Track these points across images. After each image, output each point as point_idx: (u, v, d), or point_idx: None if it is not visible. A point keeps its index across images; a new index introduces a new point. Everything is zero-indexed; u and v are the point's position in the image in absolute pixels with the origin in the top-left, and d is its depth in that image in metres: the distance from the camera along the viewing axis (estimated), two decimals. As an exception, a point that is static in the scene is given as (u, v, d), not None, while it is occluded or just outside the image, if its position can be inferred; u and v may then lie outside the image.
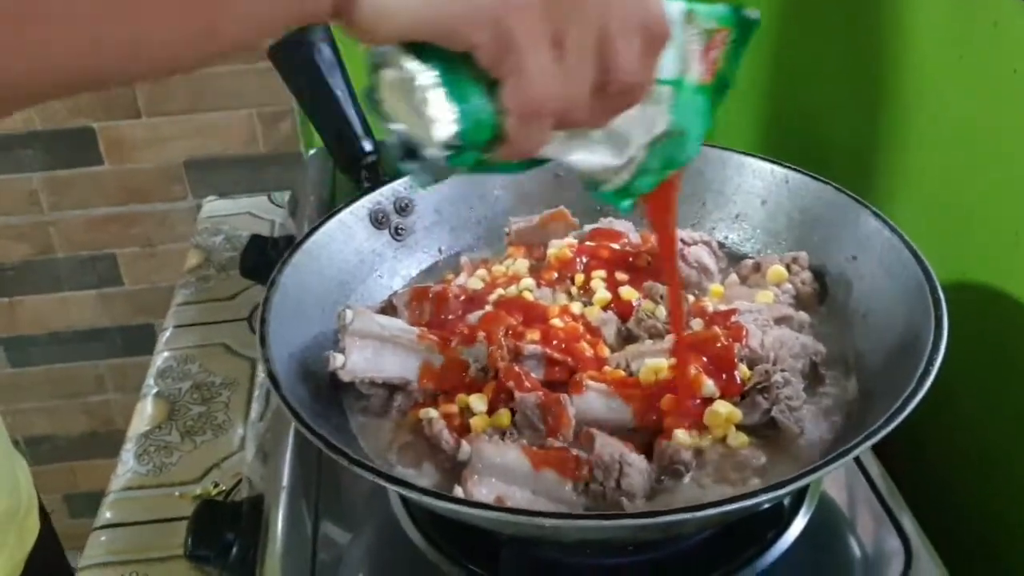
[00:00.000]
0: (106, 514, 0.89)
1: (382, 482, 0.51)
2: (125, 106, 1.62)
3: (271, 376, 0.58)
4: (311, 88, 0.78)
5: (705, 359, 0.62)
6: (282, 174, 1.64)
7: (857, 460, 0.69)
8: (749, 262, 0.74)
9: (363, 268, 0.75)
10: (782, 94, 1.20)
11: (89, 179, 1.69)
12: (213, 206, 1.40)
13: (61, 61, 0.35)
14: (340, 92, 0.79)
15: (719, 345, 0.63)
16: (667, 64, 0.46)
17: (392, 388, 0.65)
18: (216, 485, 0.91)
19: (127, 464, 0.95)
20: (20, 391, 1.86)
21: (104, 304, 1.79)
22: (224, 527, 0.71)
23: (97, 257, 1.76)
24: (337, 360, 0.63)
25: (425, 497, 0.51)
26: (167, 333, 1.13)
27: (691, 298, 0.71)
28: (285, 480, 0.72)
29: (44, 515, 0.84)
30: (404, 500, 0.67)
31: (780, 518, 0.64)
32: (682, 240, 0.74)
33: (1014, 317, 0.72)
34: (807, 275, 0.72)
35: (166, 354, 1.09)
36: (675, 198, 0.55)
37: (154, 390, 1.04)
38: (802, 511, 0.65)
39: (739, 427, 0.60)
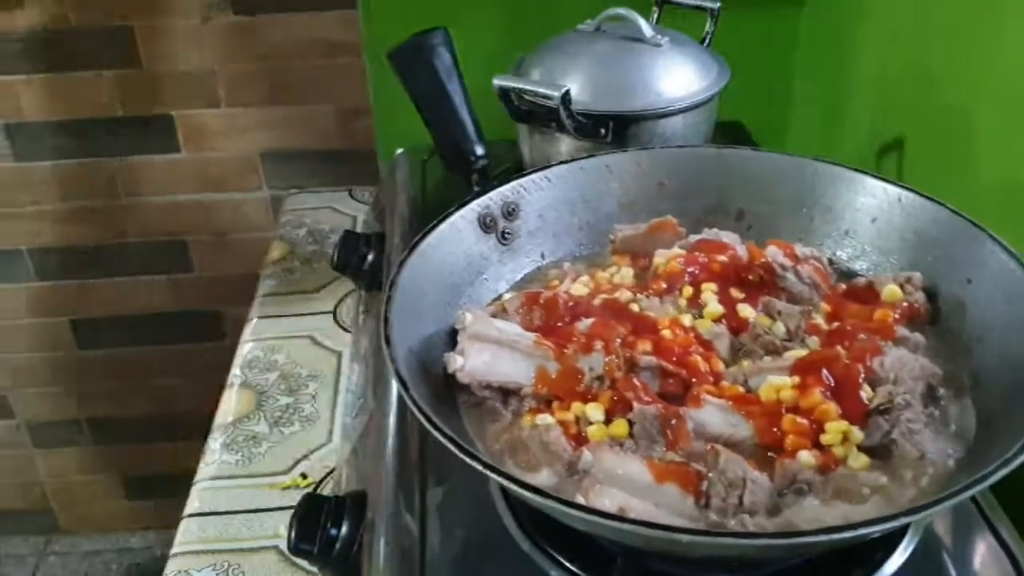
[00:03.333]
0: (195, 503, 0.91)
1: (517, 489, 0.52)
2: (205, 95, 1.64)
3: (399, 378, 0.59)
4: (428, 91, 0.79)
5: (828, 379, 0.62)
6: (355, 171, 1.64)
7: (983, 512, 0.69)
8: (862, 280, 0.74)
9: (471, 271, 0.76)
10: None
11: (165, 166, 1.72)
12: (296, 199, 1.41)
13: None
14: (456, 97, 0.79)
15: (841, 365, 0.62)
16: None
17: (507, 392, 0.65)
18: (304, 476, 0.93)
19: (215, 453, 0.96)
20: (86, 373, 1.89)
21: (173, 290, 1.81)
22: (327, 522, 0.72)
23: (169, 243, 1.78)
24: (456, 362, 0.64)
25: (559, 505, 0.51)
26: (252, 323, 1.14)
27: (807, 311, 0.70)
28: (388, 478, 0.73)
29: None
30: (509, 504, 0.67)
31: (888, 540, 0.64)
32: (794, 255, 0.74)
33: None
34: (920, 296, 0.71)
35: (251, 344, 1.10)
36: None
37: (240, 380, 1.05)
38: (909, 533, 0.64)
39: (861, 448, 0.60)
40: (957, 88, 1.00)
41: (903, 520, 0.49)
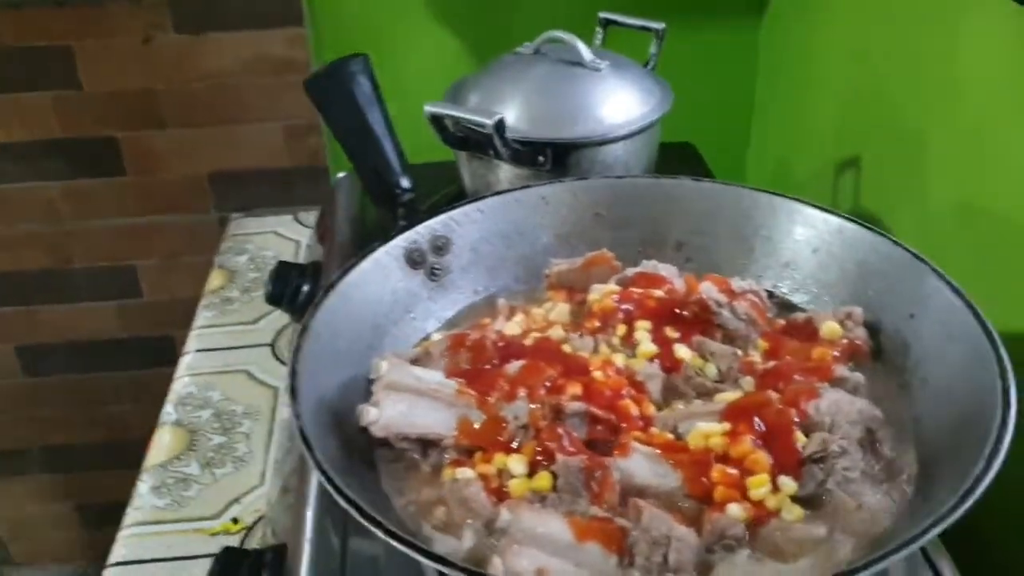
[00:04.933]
0: (121, 551, 0.87)
1: (419, 557, 0.48)
2: (149, 116, 1.60)
3: (303, 437, 0.55)
4: (348, 121, 0.76)
5: (759, 425, 0.59)
6: (307, 188, 1.61)
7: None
8: (801, 315, 0.71)
9: (397, 309, 0.72)
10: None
11: (111, 189, 1.67)
12: (238, 224, 1.37)
13: None
14: (378, 127, 0.76)
15: (773, 410, 0.59)
16: None
17: (426, 443, 0.62)
18: (236, 521, 0.89)
19: (143, 497, 0.92)
20: (36, 400, 1.84)
21: (122, 315, 1.77)
22: (245, 577, 0.68)
23: (117, 268, 1.73)
24: (370, 415, 0.60)
25: (459, 573, 0.48)
26: (188, 357, 1.10)
27: (739, 353, 0.68)
28: (309, 531, 0.70)
29: None
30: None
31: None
32: (730, 290, 0.71)
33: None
34: (862, 331, 0.68)
35: (186, 379, 1.06)
36: None
37: (173, 418, 1.01)
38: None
39: (793, 498, 0.57)
40: (914, 110, 0.98)
41: (829, 587, 0.46)
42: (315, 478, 0.74)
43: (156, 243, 1.72)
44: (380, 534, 0.49)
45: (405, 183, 0.77)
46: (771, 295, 0.75)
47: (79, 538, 2.00)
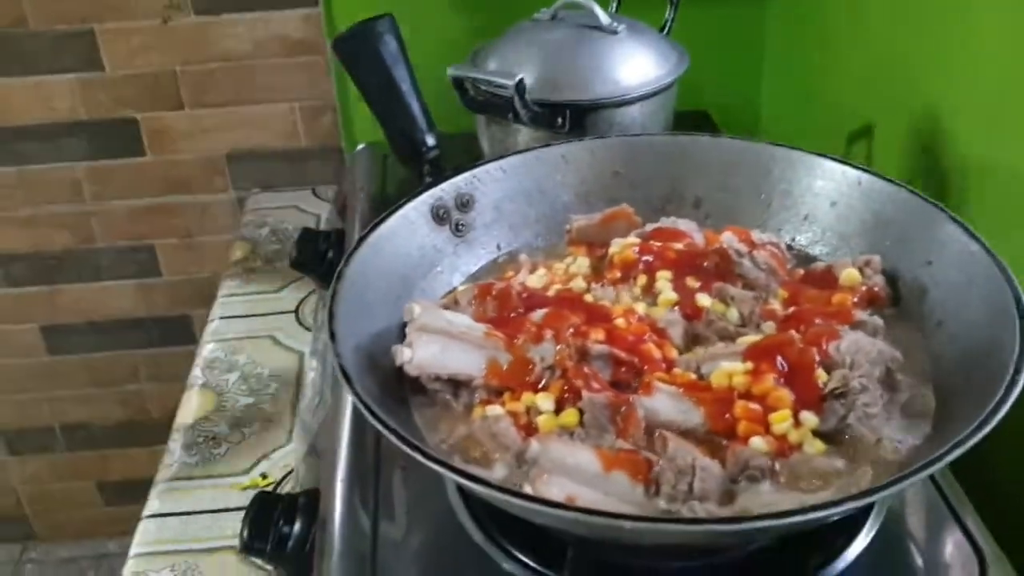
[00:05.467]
0: (154, 503, 0.89)
1: (460, 479, 0.51)
2: (168, 97, 1.62)
3: (344, 372, 0.57)
4: (375, 80, 0.78)
5: (782, 364, 0.61)
6: (322, 168, 1.63)
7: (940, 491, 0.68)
8: (820, 265, 0.73)
9: (424, 263, 0.74)
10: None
11: (131, 169, 1.69)
12: (258, 199, 1.40)
13: None
14: (404, 85, 0.78)
15: (795, 349, 0.61)
16: None
17: (457, 384, 0.64)
18: (264, 477, 0.91)
19: (174, 454, 0.94)
20: (57, 378, 1.87)
21: (142, 294, 1.79)
22: (280, 520, 0.70)
23: (137, 247, 1.76)
24: (404, 354, 0.62)
25: (502, 495, 0.50)
26: (214, 324, 1.12)
27: (761, 296, 0.69)
28: (342, 475, 0.72)
29: None
30: (464, 497, 0.66)
31: (848, 526, 0.63)
32: (750, 241, 0.73)
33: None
34: (880, 279, 0.70)
35: (212, 345, 1.09)
36: None
37: (200, 380, 1.04)
38: (870, 520, 0.64)
39: (816, 433, 0.59)
40: (929, 75, 0.99)
41: (849, 505, 0.48)
42: (346, 428, 0.76)
43: (175, 222, 1.74)
44: (418, 457, 0.51)
45: (431, 140, 0.79)
46: (790, 248, 0.77)
47: (100, 515, 2.03)
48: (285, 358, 1.05)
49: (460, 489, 0.66)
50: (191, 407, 1.00)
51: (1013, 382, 0.54)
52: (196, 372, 1.04)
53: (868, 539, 0.63)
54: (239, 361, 1.05)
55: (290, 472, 0.89)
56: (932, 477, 0.67)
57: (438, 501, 0.67)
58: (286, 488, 0.89)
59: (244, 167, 1.70)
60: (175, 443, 0.96)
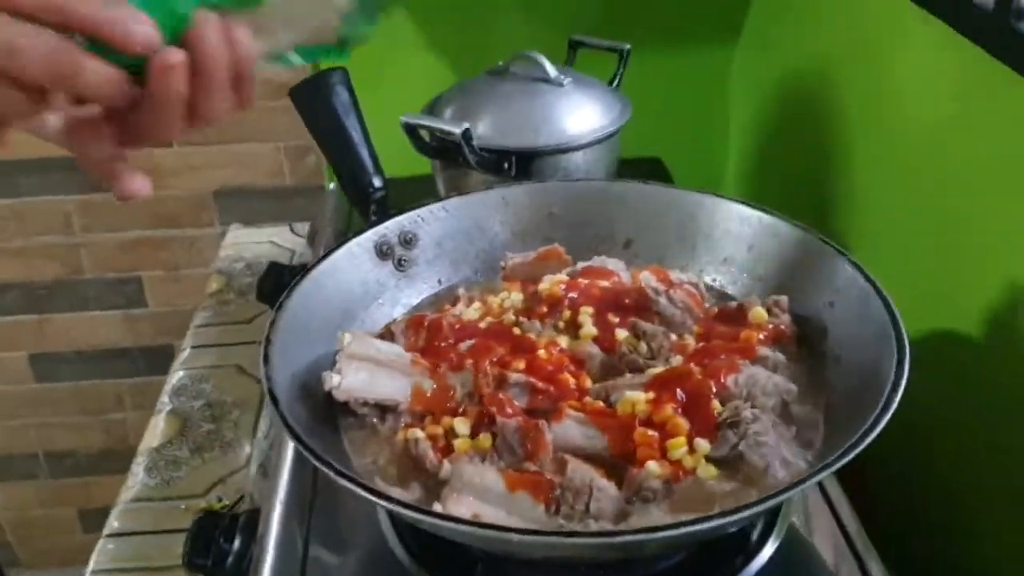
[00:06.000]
0: (114, 523, 0.93)
1: (362, 492, 0.55)
2: (159, 135, 1.69)
3: (270, 392, 0.62)
4: (328, 127, 0.83)
5: (681, 395, 0.66)
6: (305, 206, 1.69)
7: (825, 496, 0.73)
8: (733, 304, 0.78)
9: (367, 296, 0.79)
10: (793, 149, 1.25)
11: (121, 204, 1.75)
12: (237, 234, 1.45)
13: None
14: (355, 132, 0.84)
15: (694, 381, 0.66)
16: None
17: (384, 409, 0.68)
18: (220, 500, 0.95)
19: (137, 476, 0.99)
20: (45, 406, 1.92)
21: (128, 325, 1.85)
22: (222, 537, 0.75)
23: (125, 279, 1.82)
24: (333, 380, 0.67)
25: (400, 508, 0.54)
26: (185, 353, 1.17)
27: (674, 337, 0.74)
28: (281, 495, 0.76)
29: None
30: (392, 518, 0.71)
31: (747, 548, 0.67)
32: (669, 280, 0.78)
33: (980, 362, 0.76)
34: (787, 318, 0.75)
35: (181, 373, 1.14)
36: None
37: (168, 407, 1.08)
38: (769, 542, 0.68)
39: (710, 459, 0.63)
40: (863, 126, 1.05)
41: (718, 522, 0.53)
42: (289, 451, 0.81)
43: (162, 255, 1.80)
44: (331, 474, 0.56)
45: (377, 182, 0.84)
46: (710, 288, 0.82)
47: (82, 542, 2.06)
48: (249, 387, 1.09)
49: (389, 512, 0.71)
50: (157, 432, 1.05)
51: (884, 409, 0.58)
52: (164, 399, 1.09)
53: (765, 560, 0.67)
54: (205, 389, 1.10)
55: (243, 497, 0.94)
56: (832, 509, 0.72)
57: (370, 523, 0.71)
58: (240, 510, 0.93)
59: (231, 203, 1.76)
60: (138, 466, 1.00)
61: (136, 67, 0.47)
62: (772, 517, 0.70)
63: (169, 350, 1.84)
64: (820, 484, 0.74)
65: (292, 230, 1.43)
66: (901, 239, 0.97)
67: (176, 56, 0.47)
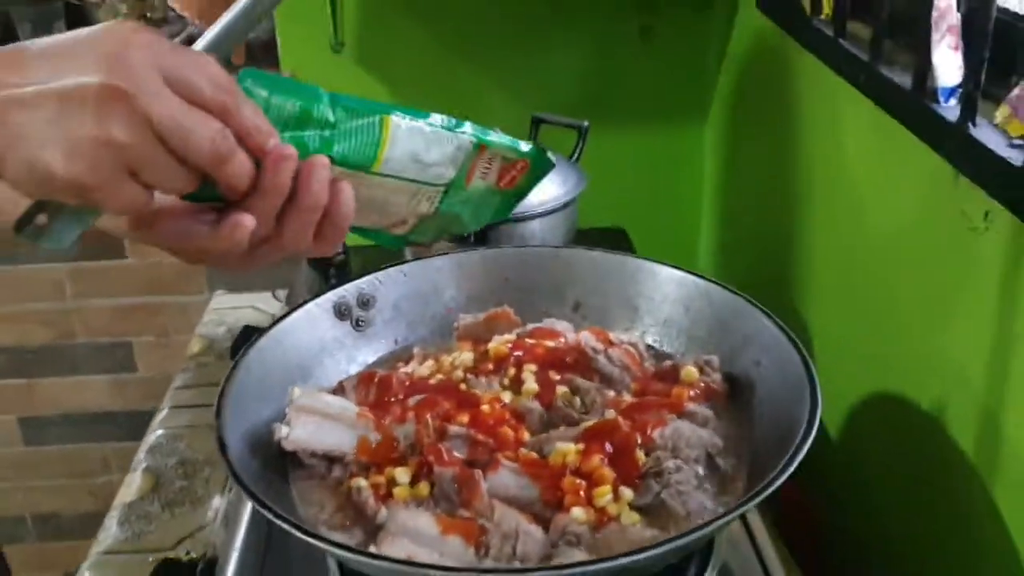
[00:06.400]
0: (85, 574, 0.96)
1: (298, 534, 0.59)
2: (151, 205, 1.75)
3: (219, 440, 0.67)
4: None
5: (609, 446, 0.70)
6: (287, 274, 1.74)
7: (756, 548, 0.77)
8: (668, 363, 0.82)
9: (324, 354, 0.84)
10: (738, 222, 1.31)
11: (113, 271, 1.81)
12: (221, 299, 1.50)
13: None
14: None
15: (621, 434, 0.70)
16: (443, 171, 0.62)
17: (331, 459, 0.72)
18: (188, 553, 0.98)
19: (109, 530, 1.02)
20: (32, 469, 1.95)
21: (117, 389, 1.89)
22: (180, 584, 0.78)
23: (115, 344, 1.87)
24: (282, 431, 0.71)
25: (333, 548, 0.59)
26: (163, 412, 1.22)
27: (611, 393, 0.78)
28: (238, 544, 0.80)
29: None
30: (340, 567, 0.74)
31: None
32: (608, 340, 0.82)
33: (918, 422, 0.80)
34: (718, 376, 0.79)
35: (159, 432, 1.18)
36: None
37: (143, 464, 1.12)
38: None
39: (633, 507, 0.67)
40: (814, 201, 1.11)
41: (622, 561, 0.56)
42: (248, 503, 0.84)
43: (152, 321, 1.85)
44: (271, 516, 0.60)
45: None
46: (651, 347, 0.86)
47: (65, 606, 2.08)
48: (221, 445, 1.13)
49: (337, 560, 0.74)
50: (132, 488, 1.08)
51: (796, 452, 0.63)
52: (140, 456, 1.13)
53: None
54: (179, 447, 1.14)
55: (207, 550, 0.97)
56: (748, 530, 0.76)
57: (320, 573, 0.75)
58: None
59: (221, 271, 1.81)
60: (111, 519, 1.04)
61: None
62: (703, 564, 0.73)
63: (154, 414, 1.88)
64: (749, 531, 0.78)
65: (274, 296, 1.48)
66: (848, 312, 1.03)
67: (291, 151, 0.52)
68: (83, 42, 0.49)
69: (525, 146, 0.66)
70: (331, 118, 0.55)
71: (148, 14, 1.74)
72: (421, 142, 0.60)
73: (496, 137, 0.64)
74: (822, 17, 1.08)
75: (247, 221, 0.52)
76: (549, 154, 0.67)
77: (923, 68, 0.83)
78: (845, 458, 1.03)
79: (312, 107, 0.55)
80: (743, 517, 0.82)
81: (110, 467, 1.94)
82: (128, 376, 1.89)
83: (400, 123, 0.58)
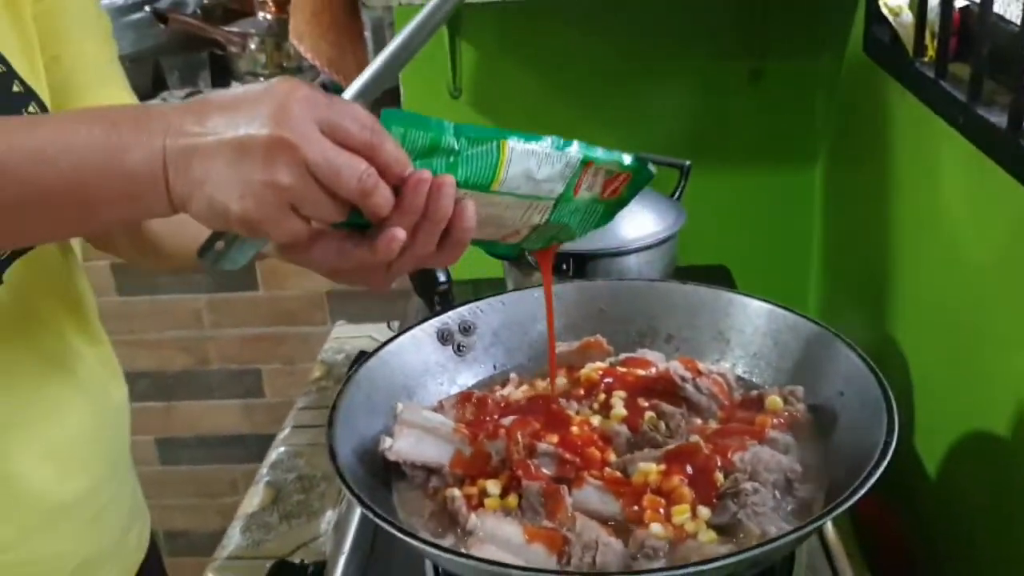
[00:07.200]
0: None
1: (395, 532, 0.64)
2: (281, 241, 1.87)
3: (330, 449, 0.73)
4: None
5: (689, 468, 0.73)
6: (402, 306, 1.83)
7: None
8: (754, 393, 0.85)
9: (427, 375, 0.90)
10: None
11: (246, 302, 1.94)
12: (341, 329, 1.60)
13: None
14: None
15: (701, 456, 0.73)
16: (553, 187, 0.67)
17: (429, 470, 0.78)
18: (302, 561, 1.06)
19: (232, 538, 1.11)
20: (166, 487, 2.08)
21: (246, 413, 2.01)
22: (293, 583, 0.85)
23: (245, 371, 1.99)
24: (386, 443, 0.78)
25: (423, 545, 0.64)
26: (285, 431, 1.30)
27: (698, 421, 0.82)
28: (346, 548, 0.87)
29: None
30: (435, 569, 0.80)
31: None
32: (697, 369, 0.86)
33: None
34: (801, 406, 0.81)
35: (281, 449, 1.26)
36: (554, 251, 0.77)
37: (266, 478, 1.21)
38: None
39: (711, 525, 0.70)
40: (909, 242, 1.11)
41: (693, 569, 0.60)
42: (357, 512, 0.91)
43: (280, 350, 1.97)
44: (371, 515, 0.66)
45: (442, 277, 0.96)
46: (741, 379, 0.89)
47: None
48: (336, 463, 1.21)
49: (433, 563, 0.80)
50: (254, 500, 1.17)
51: (861, 485, 0.65)
52: (263, 470, 1.22)
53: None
54: (299, 464, 1.22)
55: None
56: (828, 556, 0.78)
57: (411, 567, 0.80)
58: (316, 568, 1.03)
59: (341, 303, 1.92)
60: (234, 528, 1.12)
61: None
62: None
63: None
64: (829, 557, 0.79)
65: (388, 326, 1.56)
66: (947, 347, 1.03)
67: (427, 175, 0.60)
68: (253, 97, 0.57)
69: (627, 159, 0.71)
70: (455, 146, 0.62)
71: (284, 63, 1.88)
72: (534, 162, 0.65)
73: (601, 153, 0.69)
74: (925, 59, 1.10)
75: (400, 234, 0.60)
76: (650, 165, 0.72)
77: (1019, 107, 0.85)
78: (941, 490, 1.02)
79: (440, 138, 0.62)
80: (824, 542, 0.83)
81: (238, 488, 2.06)
82: (256, 401, 2.00)
83: (515, 146, 0.64)
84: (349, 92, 0.63)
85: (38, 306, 0.78)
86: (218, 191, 0.56)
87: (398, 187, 0.59)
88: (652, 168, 0.72)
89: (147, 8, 1.82)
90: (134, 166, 0.57)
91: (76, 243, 0.85)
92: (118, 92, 0.83)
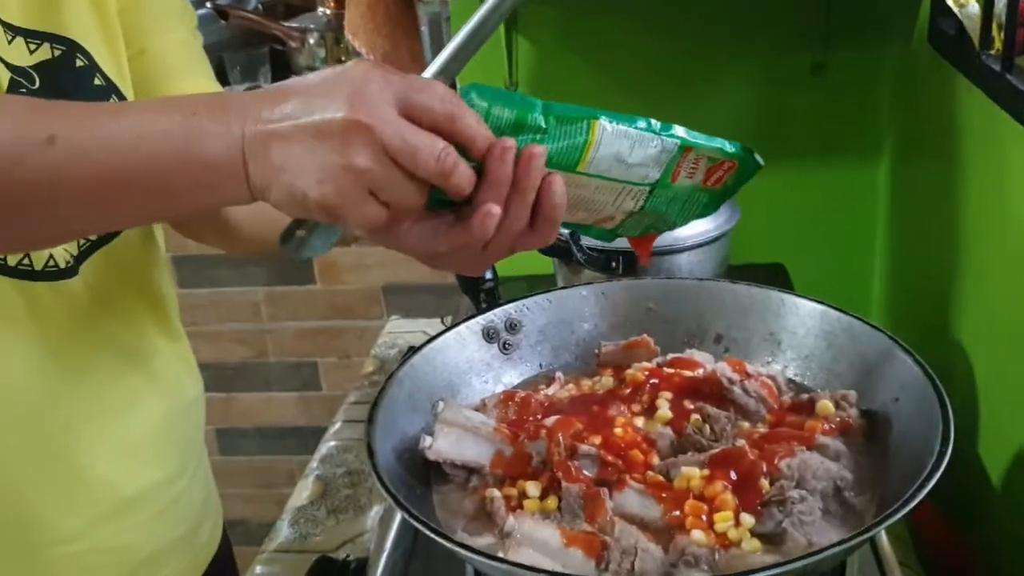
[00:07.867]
0: (256, 568, 1.05)
1: (448, 544, 0.64)
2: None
3: (368, 447, 0.73)
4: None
5: (733, 473, 0.71)
6: (458, 301, 1.83)
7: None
8: (805, 396, 0.82)
9: (471, 373, 0.89)
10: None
11: (303, 295, 1.96)
12: (396, 324, 1.60)
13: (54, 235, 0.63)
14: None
15: (746, 462, 0.71)
16: (647, 172, 0.65)
17: (469, 470, 0.77)
18: (347, 556, 1.06)
19: (280, 531, 1.11)
20: (226, 478, 2.10)
21: (303, 405, 2.03)
22: (335, 578, 0.85)
23: (302, 364, 2.01)
24: (426, 441, 0.77)
25: (457, 548, 0.63)
26: (336, 425, 1.31)
27: (745, 424, 0.80)
28: (388, 546, 0.86)
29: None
30: (476, 571, 0.79)
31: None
32: (745, 372, 0.84)
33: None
34: (854, 411, 0.79)
35: (331, 443, 1.27)
36: (652, 241, 0.75)
37: (315, 472, 1.21)
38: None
39: (755, 534, 0.68)
40: (982, 242, 1.07)
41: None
42: (399, 513, 0.90)
43: (335, 343, 1.98)
44: (405, 514, 0.65)
45: (488, 275, 0.95)
46: (792, 382, 0.86)
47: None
48: (384, 458, 1.21)
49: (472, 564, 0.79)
50: (303, 494, 1.18)
51: (912, 496, 0.62)
52: (313, 464, 1.22)
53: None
54: (348, 459, 1.22)
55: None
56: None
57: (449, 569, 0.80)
58: (361, 564, 1.03)
59: (397, 297, 1.93)
60: (283, 522, 1.13)
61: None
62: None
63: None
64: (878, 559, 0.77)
65: (442, 322, 1.55)
66: (1017, 354, 0.99)
67: (512, 142, 0.59)
68: (329, 81, 0.57)
69: (731, 147, 0.68)
70: (543, 124, 0.61)
71: (343, 58, 1.89)
72: (626, 144, 0.64)
73: (703, 140, 0.67)
74: (992, 52, 1.05)
75: (495, 210, 0.59)
76: (757, 155, 0.69)
77: (1090, 102, 0.81)
78: (1007, 502, 0.98)
79: (526, 115, 0.60)
80: (876, 553, 0.81)
81: (294, 479, 2.08)
82: (313, 394, 2.02)
83: (606, 127, 0.62)
84: (428, 71, 0.62)
85: (116, 300, 0.78)
86: (297, 177, 0.55)
87: (482, 165, 0.58)
88: (759, 158, 0.69)
89: (208, 5, 1.84)
90: (214, 155, 0.56)
91: (160, 238, 0.86)
92: (204, 82, 0.83)
